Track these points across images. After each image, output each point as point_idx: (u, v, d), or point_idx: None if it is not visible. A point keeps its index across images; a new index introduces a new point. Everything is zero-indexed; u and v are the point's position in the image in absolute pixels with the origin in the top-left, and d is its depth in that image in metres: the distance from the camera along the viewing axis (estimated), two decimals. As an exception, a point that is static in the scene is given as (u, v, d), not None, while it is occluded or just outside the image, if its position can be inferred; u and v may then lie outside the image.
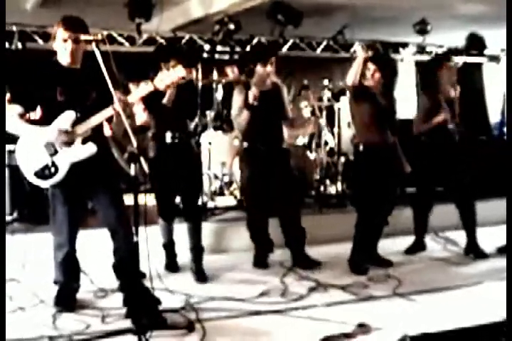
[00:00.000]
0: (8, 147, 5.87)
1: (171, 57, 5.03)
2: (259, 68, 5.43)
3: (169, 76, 4.07)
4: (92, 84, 4.03)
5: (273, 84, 5.58)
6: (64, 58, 4.12)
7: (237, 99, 5.48)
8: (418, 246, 6.15)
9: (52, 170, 4.08)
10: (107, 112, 3.99)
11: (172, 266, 5.46)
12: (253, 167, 5.57)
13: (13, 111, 4.09)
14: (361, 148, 5.48)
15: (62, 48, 4.08)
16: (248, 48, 9.44)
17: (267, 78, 5.49)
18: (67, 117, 4.06)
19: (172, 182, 5.21)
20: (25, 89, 4.14)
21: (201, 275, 5.19)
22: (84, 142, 4.08)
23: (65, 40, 4.04)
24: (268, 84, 5.53)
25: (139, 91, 4.12)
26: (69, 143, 4.05)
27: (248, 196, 5.87)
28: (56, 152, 4.06)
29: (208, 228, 5.91)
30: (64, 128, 4.04)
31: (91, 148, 4.09)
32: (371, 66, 5.42)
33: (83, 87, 4.10)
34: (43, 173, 4.10)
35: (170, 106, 4.99)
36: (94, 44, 3.88)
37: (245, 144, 5.59)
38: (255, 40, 9.53)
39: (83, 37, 3.95)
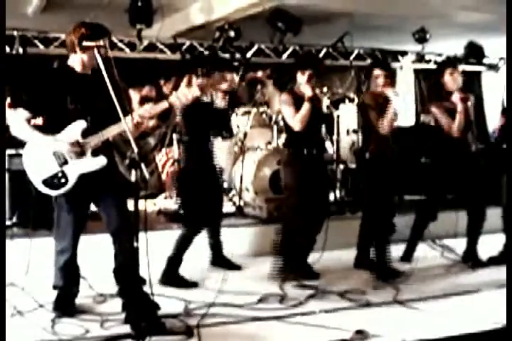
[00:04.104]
0: (8, 151, 5.87)
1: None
2: (299, 76, 5.42)
3: (186, 95, 4.11)
4: (104, 93, 3.88)
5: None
6: (81, 66, 4.12)
7: (286, 101, 5.40)
8: (411, 253, 6.14)
9: (63, 180, 4.09)
10: (121, 127, 3.94)
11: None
12: (304, 175, 5.38)
13: (20, 115, 4.07)
14: (368, 155, 5.54)
15: (84, 56, 4.05)
16: (248, 55, 9.47)
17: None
18: (78, 126, 4.06)
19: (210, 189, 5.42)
20: (35, 95, 4.11)
21: (233, 265, 5.72)
22: (93, 153, 4.09)
23: (89, 48, 3.98)
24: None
25: (153, 108, 4.16)
26: (80, 155, 4.06)
27: (296, 207, 5.42)
28: (66, 162, 4.07)
29: (206, 235, 5.92)
30: (75, 138, 4.04)
31: (102, 161, 4.11)
32: (381, 72, 5.49)
33: (94, 96, 4.08)
34: (52, 182, 4.10)
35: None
36: (96, 50, 3.91)
37: (291, 150, 5.49)
38: (255, 47, 9.56)
39: (85, 43, 3.97)
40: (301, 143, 5.41)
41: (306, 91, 5.34)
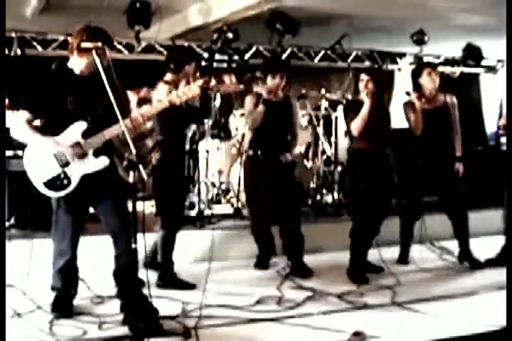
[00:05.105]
0: (6, 153, 5.86)
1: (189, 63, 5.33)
2: (269, 79, 5.65)
3: (186, 93, 4.14)
4: (104, 94, 3.85)
5: (285, 97, 5.77)
6: (81, 67, 4.11)
7: (248, 100, 5.68)
8: (406, 256, 6.15)
9: (65, 181, 4.06)
10: (122, 127, 3.89)
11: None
12: (254, 174, 5.75)
13: (20, 117, 4.07)
14: (354, 154, 5.68)
15: (85, 57, 4.05)
16: (246, 57, 9.47)
17: (277, 90, 5.70)
18: (79, 127, 4.05)
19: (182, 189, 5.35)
20: (35, 95, 4.10)
21: (188, 284, 5.20)
22: (95, 153, 4.08)
23: (88, 51, 3.96)
24: (280, 96, 5.74)
25: (155, 106, 4.17)
26: (82, 156, 4.05)
27: (250, 202, 6.07)
28: (67, 163, 4.04)
29: (204, 236, 5.92)
30: (75, 139, 4.03)
31: (104, 161, 4.10)
32: (364, 77, 5.50)
33: (94, 96, 4.06)
34: (54, 184, 4.06)
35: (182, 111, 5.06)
36: (94, 52, 3.91)
37: (250, 152, 5.78)
38: (253, 49, 9.56)
39: (83, 45, 3.97)
40: (257, 145, 5.71)
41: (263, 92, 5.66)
